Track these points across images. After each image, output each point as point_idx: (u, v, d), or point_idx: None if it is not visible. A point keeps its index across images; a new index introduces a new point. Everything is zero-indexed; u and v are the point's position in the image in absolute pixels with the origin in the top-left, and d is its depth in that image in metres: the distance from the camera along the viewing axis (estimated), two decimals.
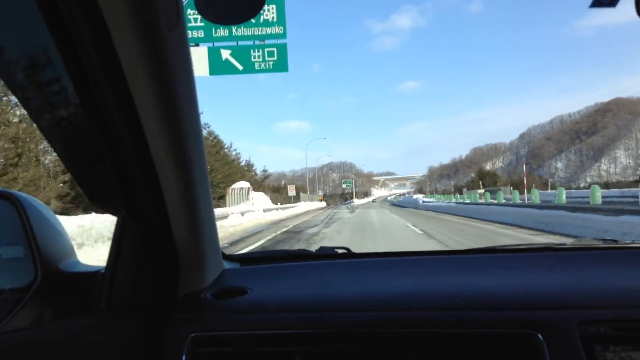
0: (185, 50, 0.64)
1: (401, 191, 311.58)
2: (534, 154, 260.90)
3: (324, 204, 67.35)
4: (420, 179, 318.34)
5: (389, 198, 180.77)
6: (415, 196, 48.79)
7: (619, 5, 0.67)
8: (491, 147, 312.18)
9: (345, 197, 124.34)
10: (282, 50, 10.95)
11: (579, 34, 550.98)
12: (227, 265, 1.09)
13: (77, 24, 0.56)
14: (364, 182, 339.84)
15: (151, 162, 0.70)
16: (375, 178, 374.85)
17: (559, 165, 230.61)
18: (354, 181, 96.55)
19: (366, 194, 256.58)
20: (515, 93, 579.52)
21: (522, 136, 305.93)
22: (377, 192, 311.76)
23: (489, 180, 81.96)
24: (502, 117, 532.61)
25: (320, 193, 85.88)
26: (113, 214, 0.81)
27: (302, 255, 1.26)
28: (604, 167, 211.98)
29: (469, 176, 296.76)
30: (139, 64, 0.59)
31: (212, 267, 0.96)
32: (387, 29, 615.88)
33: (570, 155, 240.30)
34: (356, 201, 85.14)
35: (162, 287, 0.86)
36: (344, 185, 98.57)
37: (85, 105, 0.63)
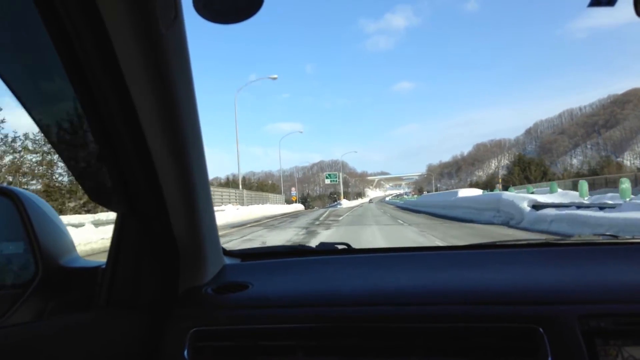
0: (184, 49, 0.64)
1: (397, 192, 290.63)
2: (545, 149, 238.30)
3: (293, 207, 43.59)
4: (418, 179, 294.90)
5: (386, 199, 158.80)
6: (471, 192, 22.57)
7: (617, 5, 0.74)
8: (495, 144, 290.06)
9: (334, 198, 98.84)
10: None
11: (574, 36, 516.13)
12: (227, 260, 1.10)
13: (75, 24, 0.56)
14: (358, 182, 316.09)
15: (150, 159, 0.70)
16: (369, 178, 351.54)
17: (574, 161, 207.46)
18: (340, 175, 70.72)
19: (360, 194, 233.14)
20: (513, 93, 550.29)
21: (528, 131, 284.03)
22: (372, 193, 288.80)
23: (535, 172, 57.54)
24: (497, 119, 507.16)
25: (294, 193, 60.37)
26: (113, 210, 0.81)
27: (303, 251, 1.28)
28: (626, 162, 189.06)
29: (472, 174, 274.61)
30: (138, 63, 0.60)
31: (212, 263, 0.97)
32: (381, 29, 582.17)
33: (587, 151, 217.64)
34: (345, 203, 60.24)
35: (163, 282, 0.87)
36: (327, 181, 71.98)
37: (84, 104, 0.64)
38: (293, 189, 64.53)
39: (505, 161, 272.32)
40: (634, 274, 0.87)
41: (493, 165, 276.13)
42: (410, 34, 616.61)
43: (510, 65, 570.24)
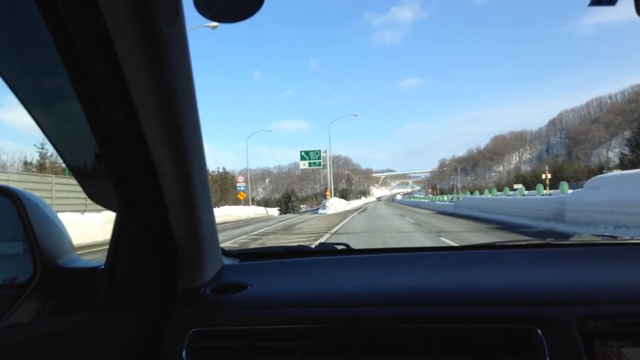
0: (185, 48, 0.66)
1: (404, 190, 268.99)
2: (577, 140, 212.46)
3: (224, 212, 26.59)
4: (429, 175, 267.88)
5: (397, 197, 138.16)
6: None
7: (618, 4, 0.74)
8: (516, 136, 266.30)
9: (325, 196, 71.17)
10: None
11: (582, 32, 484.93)
12: (226, 261, 1.14)
13: (75, 22, 0.58)
14: (362, 180, 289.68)
15: (150, 158, 0.73)
16: (374, 175, 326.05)
17: (611, 154, 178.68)
18: (328, 156, 40.06)
19: (364, 192, 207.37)
20: (523, 89, 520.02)
21: (552, 122, 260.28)
22: (378, 191, 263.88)
23: None
24: (506, 116, 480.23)
25: (241, 187, 33.19)
26: (113, 210, 0.84)
27: (302, 251, 1.32)
28: None
29: (491, 170, 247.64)
30: (138, 61, 0.61)
31: (211, 263, 1.00)
32: (387, 22, 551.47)
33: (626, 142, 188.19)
34: (335, 206, 32.78)
35: (162, 283, 0.89)
36: (303, 164, 40.14)
37: (84, 103, 0.66)
38: (240, 178, 37.05)
39: (527, 155, 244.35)
40: (632, 275, 0.89)
41: (514, 159, 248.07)
42: (417, 28, 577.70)
43: (521, 61, 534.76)
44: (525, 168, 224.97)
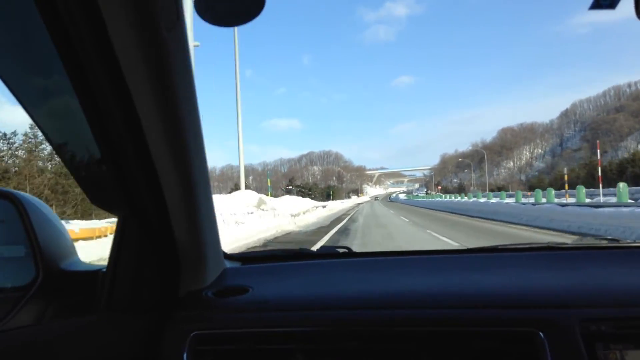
0: (185, 51, 0.68)
1: (401, 189, 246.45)
2: (601, 131, 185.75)
3: None
4: (428, 173, 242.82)
5: (400, 197, 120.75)
6: None
7: (618, 7, 0.74)
8: (525, 128, 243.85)
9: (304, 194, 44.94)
10: None
11: (577, 32, 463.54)
12: (228, 264, 1.16)
13: (76, 25, 0.59)
14: (354, 177, 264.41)
15: (151, 161, 0.74)
16: (368, 172, 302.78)
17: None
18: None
19: (356, 191, 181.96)
20: (522, 87, 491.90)
21: (565, 114, 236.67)
22: (372, 190, 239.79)
23: None
24: (508, 116, 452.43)
25: None
26: (114, 213, 0.86)
27: (303, 254, 1.34)
28: None
29: (499, 165, 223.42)
30: (139, 65, 0.63)
31: (213, 266, 1.02)
32: (381, 18, 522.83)
33: None
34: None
35: (163, 286, 0.91)
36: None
37: (85, 106, 0.67)
38: None
39: (538, 150, 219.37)
40: (635, 278, 0.91)
41: (524, 154, 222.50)
42: (412, 23, 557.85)
43: (521, 58, 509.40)
44: (538, 164, 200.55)
